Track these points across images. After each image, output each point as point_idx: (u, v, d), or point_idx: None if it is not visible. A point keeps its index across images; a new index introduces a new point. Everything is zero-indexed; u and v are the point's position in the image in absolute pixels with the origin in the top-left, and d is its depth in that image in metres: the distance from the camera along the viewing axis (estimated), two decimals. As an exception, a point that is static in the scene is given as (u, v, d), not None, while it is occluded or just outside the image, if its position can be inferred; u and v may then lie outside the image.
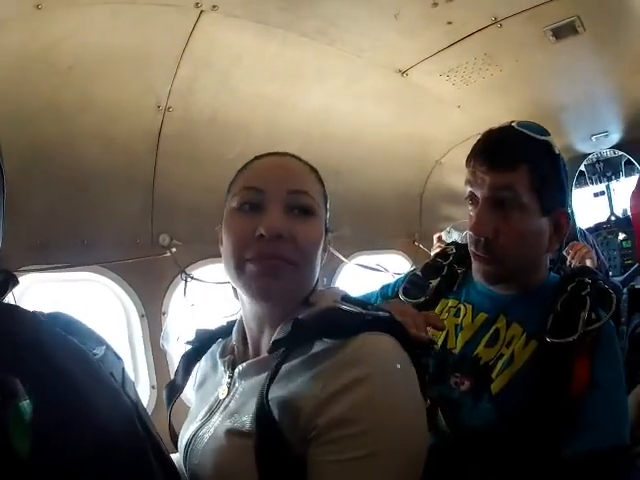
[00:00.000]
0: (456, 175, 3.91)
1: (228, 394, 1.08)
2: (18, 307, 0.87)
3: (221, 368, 1.15)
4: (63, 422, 0.72)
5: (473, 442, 1.14)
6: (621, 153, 4.37)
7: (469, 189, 1.37)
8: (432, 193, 3.81)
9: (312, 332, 0.96)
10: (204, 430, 1.06)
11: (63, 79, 1.91)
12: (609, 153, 4.39)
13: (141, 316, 2.43)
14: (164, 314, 2.48)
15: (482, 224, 1.32)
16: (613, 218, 4.61)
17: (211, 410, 1.10)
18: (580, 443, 1.16)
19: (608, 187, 4.67)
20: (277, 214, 1.01)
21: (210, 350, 1.27)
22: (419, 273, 1.65)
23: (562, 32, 2.38)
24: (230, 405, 1.05)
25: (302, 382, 0.93)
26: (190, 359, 1.27)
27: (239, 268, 1.03)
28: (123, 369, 1.05)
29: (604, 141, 4.03)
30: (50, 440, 0.70)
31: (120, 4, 1.80)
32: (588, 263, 2.85)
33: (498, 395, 1.28)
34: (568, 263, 2.74)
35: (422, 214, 3.84)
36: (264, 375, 0.95)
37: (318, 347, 0.96)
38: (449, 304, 1.51)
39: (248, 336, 1.14)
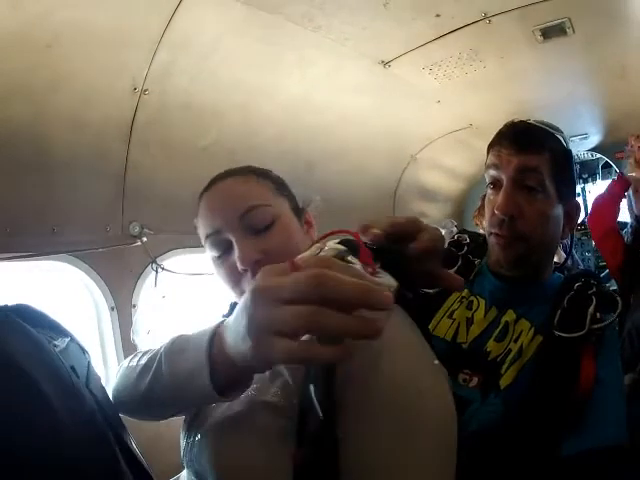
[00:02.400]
0: (430, 171, 3.84)
1: None
2: None
3: None
4: (10, 422, 0.64)
5: (481, 438, 1.11)
6: (598, 156, 4.38)
7: (493, 172, 1.37)
8: (406, 189, 3.74)
9: None
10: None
11: (40, 58, 1.75)
12: (586, 155, 4.40)
13: (111, 309, 2.30)
14: (134, 307, 2.35)
15: (509, 203, 1.30)
16: (587, 220, 4.62)
17: None
18: (582, 441, 1.14)
19: (583, 189, 4.70)
20: (242, 245, 1.05)
21: None
22: None
23: (551, 32, 2.36)
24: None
25: None
26: None
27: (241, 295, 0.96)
28: (89, 363, 1.01)
29: (583, 143, 4.03)
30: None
31: None
32: (555, 258, 2.87)
33: (506, 390, 1.26)
34: None
35: (395, 209, 3.79)
36: None
37: None
38: (463, 294, 1.49)
39: None
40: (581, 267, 3.61)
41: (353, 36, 2.26)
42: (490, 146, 1.39)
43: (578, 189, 4.79)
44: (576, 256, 3.76)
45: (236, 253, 1.05)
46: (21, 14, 1.62)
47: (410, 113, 3.05)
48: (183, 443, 1.10)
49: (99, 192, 2.20)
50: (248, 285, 1.02)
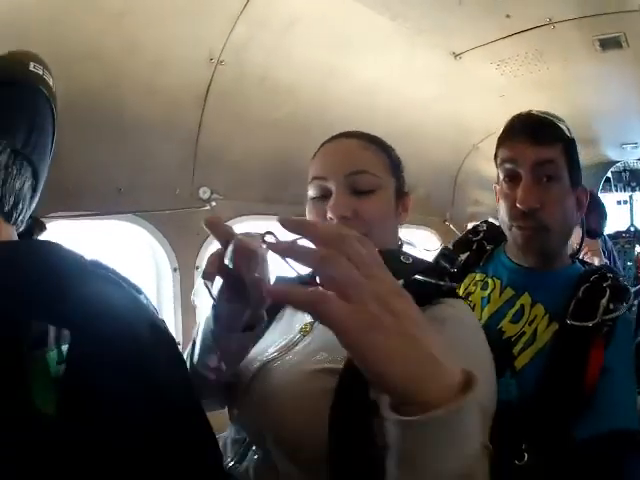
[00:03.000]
0: (490, 162, 3.86)
1: (309, 332, 1.13)
2: (61, 246, 0.77)
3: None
4: (105, 379, 0.62)
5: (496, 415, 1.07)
6: (648, 165, 4.31)
7: (508, 166, 1.38)
8: (466, 176, 3.77)
9: None
10: (277, 363, 1.08)
11: (111, 24, 1.79)
12: (636, 164, 4.35)
13: (173, 269, 2.31)
14: (197, 268, 2.35)
15: (530, 195, 1.32)
16: (632, 229, 4.58)
17: (287, 346, 1.12)
18: (591, 427, 1.15)
19: (631, 197, 4.64)
20: (339, 198, 1.11)
21: None
22: (451, 247, 1.69)
23: (608, 44, 2.42)
24: (311, 344, 1.08)
25: None
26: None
27: None
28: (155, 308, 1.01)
29: (633, 152, 3.99)
30: (83, 395, 0.60)
31: None
32: (596, 262, 2.90)
33: (521, 372, 1.30)
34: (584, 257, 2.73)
35: (455, 195, 3.81)
36: None
37: None
38: (476, 278, 1.54)
39: None
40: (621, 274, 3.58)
41: (428, 27, 2.30)
42: (501, 140, 1.42)
43: (626, 196, 4.75)
44: (618, 263, 3.74)
45: (331, 201, 1.11)
46: None
47: (474, 104, 3.08)
48: (235, 398, 1.13)
49: (170, 155, 2.23)
50: None
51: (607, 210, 3.85)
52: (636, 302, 2.72)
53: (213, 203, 2.35)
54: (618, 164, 4.28)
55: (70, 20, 1.72)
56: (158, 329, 0.78)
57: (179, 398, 0.72)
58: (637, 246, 4.38)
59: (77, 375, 0.60)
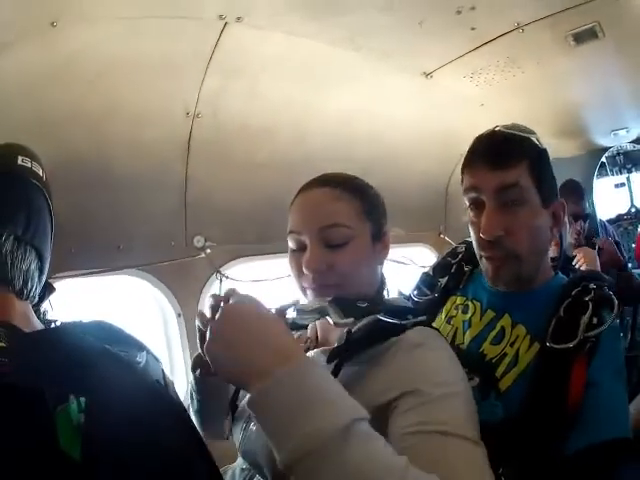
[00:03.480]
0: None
1: None
2: (65, 328, 0.92)
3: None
4: (114, 428, 0.71)
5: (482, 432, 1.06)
6: (641, 147, 4.24)
7: (472, 194, 1.32)
8: (457, 186, 3.65)
9: (363, 343, 1.06)
10: None
11: (88, 87, 1.83)
12: (629, 146, 4.28)
13: (178, 315, 2.38)
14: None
15: (493, 224, 1.27)
16: (633, 210, 4.52)
17: None
18: (579, 440, 1.11)
19: (629, 179, 4.59)
20: (312, 253, 1.13)
21: None
22: (430, 272, 1.66)
23: (583, 37, 2.32)
24: None
25: (364, 377, 1.03)
26: None
27: (303, 292, 1.18)
28: (162, 371, 1.07)
29: (625, 136, 3.92)
30: (102, 445, 0.69)
31: (139, 19, 1.72)
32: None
33: (505, 394, 1.26)
34: (578, 266, 2.66)
35: (447, 206, 3.76)
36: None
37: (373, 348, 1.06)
38: (457, 301, 1.51)
39: (319, 332, 1.29)
40: (625, 260, 3.52)
41: (393, 52, 2.28)
42: (463, 167, 1.36)
43: (623, 179, 4.69)
44: (623, 250, 3.67)
45: (306, 256, 1.13)
46: (60, 54, 1.69)
47: (456, 116, 3.04)
48: (240, 435, 1.21)
49: (162, 209, 2.28)
50: (307, 285, 1.15)
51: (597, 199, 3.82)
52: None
53: (208, 250, 2.40)
54: (611, 149, 4.22)
55: (49, 87, 1.76)
56: (158, 397, 0.87)
57: (177, 460, 0.80)
58: (640, 226, 4.33)
59: (96, 429, 0.69)
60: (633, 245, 4.39)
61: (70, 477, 0.66)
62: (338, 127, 2.66)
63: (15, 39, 1.58)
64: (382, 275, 1.28)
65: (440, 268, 1.65)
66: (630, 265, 3.93)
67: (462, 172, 1.37)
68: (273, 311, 0.99)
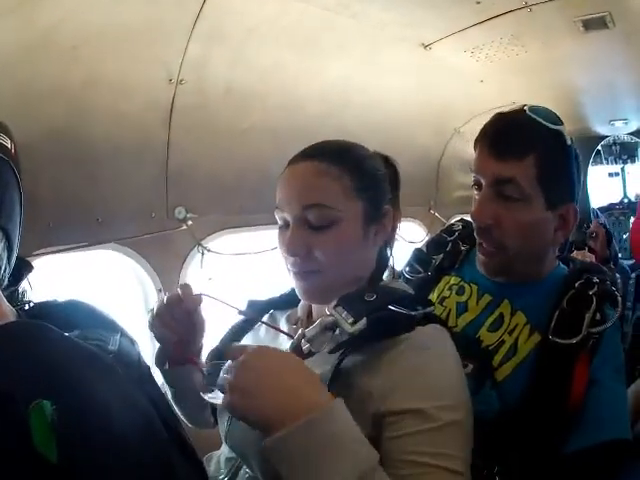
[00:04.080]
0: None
1: None
2: (37, 326, 0.79)
3: (285, 337, 1.15)
4: (85, 432, 0.67)
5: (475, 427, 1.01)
6: (638, 140, 4.18)
7: (475, 175, 1.25)
8: (450, 160, 3.62)
9: (371, 336, 0.96)
10: None
11: (68, 59, 1.71)
12: (626, 137, 4.23)
13: (158, 290, 2.26)
14: None
15: (483, 211, 1.21)
16: (626, 200, 4.50)
17: None
18: (580, 440, 1.08)
19: (623, 169, 4.56)
20: (293, 235, 1.05)
21: (265, 319, 1.28)
22: (424, 249, 1.56)
23: (592, 24, 2.24)
24: None
25: (369, 371, 0.96)
26: (240, 329, 1.31)
27: (288, 272, 1.11)
28: (139, 355, 1.00)
29: (623, 127, 3.88)
30: (76, 448, 0.64)
31: None
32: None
33: (502, 384, 1.20)
34: None
35: (439, 181, 3.68)
36: (328, 356, 0.97)
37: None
38: (451, 281, 1.42)
39: (314, 311, 1.18)
40: (616, 251, 3.47)
41: (391, 21, 2.15)
42: (475, 142, 1.26)
43: (617, 168, 4.64)
44: (613, 242, 3.62)
45: (286, 238, 1.06)
46: (38, 25, 1.58)
47: (453, 90, 2.95)
48: (225, 425, 1.15)
49: (142, 180, 2.15)
50: (290, 267, 1.08)
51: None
52: (633, 275, 2.61)
53: (189, 222, 2.28)
54: (608, 138, 4.15)
55: (27, 61, 1.64)
56: (131, 402, 0.80)
57: (153, 461, 0.75)
58: (631, 217, 4.27)
59: (67, 431, 0.64)
60: (624, 235, 4.34)
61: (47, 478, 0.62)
62: (331, 95, 2.55)
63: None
64: (384, 258, 1.17)
65: (435, 245, 1.54)
66: (620, 255, 3.88)
67: (474, 147, 1.27)
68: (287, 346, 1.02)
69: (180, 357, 1.16)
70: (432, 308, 1.07)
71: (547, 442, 1.09)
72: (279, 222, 1.10)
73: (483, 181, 1.21)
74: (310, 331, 0.97)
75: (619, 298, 1.20)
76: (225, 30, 1.94)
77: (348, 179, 1.05)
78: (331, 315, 0.97)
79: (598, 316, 1.15)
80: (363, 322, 0.93)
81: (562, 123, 1.21)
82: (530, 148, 1.16)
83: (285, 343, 1.13)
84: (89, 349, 0.81)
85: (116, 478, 0.68)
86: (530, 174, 1.16)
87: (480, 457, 1.03)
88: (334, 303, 1.00)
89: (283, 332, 1.13)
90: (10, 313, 0.86)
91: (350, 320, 0.94)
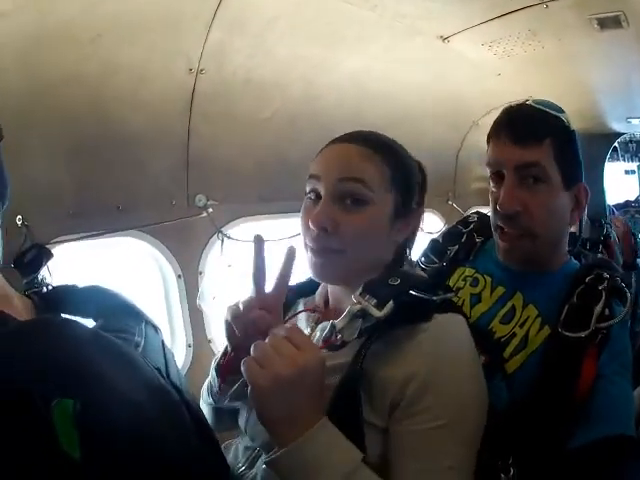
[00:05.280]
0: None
1: None
2: (58, 322, 0.79)
3: (302, 322, 1.18)
4: (108, 427, 0.66)
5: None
6: (655, 137, 4.10)
7: (493, 166, 1.27)
8: (468, 153, 3.57)
9: (397, 320, 0.96)
10: None
11: (88, 49, 1.70)
12: (643, 135, 4.15)
13: (178, 276, 2.25)
14: (201, 274, 2.30)
15: (511, 199, 1.20)
16: None
17: None
18: (585, 435, 1.07)
19: (639, 167, 4.47)
20: (324, 207, 1.03)
21: (300, 306, 1.26)
22: (440, 239, 1.57)
23: (607, 23, 2.18)
24: None
25: (388, 359, 0.96)
26: None
27: (305, 249, 1.09)
28: (162, 342, 1.00)
29: (639, 125, 3.77)
30: (100, 446, 0.64)
31: None
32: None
33: (512, 376, 1.21)
34: None
35: (457, 173, 3.63)
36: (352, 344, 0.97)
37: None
38: (465, 272, 1.42)
39: (331, 298, 1.17)
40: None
41: (410, 14, 2.11)
42: (489, 137, 1.29)
43: (634, 166, 4.56)
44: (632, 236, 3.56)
45: (316, 209, 1.04)
46: (58, 16, 1.56)
47: (470, 83, 2.89)
48: (246, 414, 1.15)
49: (163, 168, 2.13)
50: (309, 242, 1.06)
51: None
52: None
53: (210, 210, 2.26)
54: (624, 135, 4.07)
55: (46, 49, 1.63)
56: (157, 392, 0.79)
57: (175, 454, 0.75)
58: (648, 215, 4.20)
59: (91, 427, 0.64)
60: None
61: (70, 478, 0.61)
62: (349, 86, 2.50)
63: (13, 8, 1.44)
64: (401, 254, 1.16)
65: (450, 236, 1.55)
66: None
67: (487, 141, 1.30)
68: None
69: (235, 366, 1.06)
70: (452, 294, 1.07)
71: (553, 434, 1.09)
72: (308, 192, 1.09)
73: (506, 169, 1.21)
74: (340, 321, 0.97)
75: (628, 295, 1.19)
76: (245, 20, 1.92)
77: (388, 170, 1.06)
78: (358, 303, 0.97)
79: (607, 311, 1.15)
80: (390, 306, 0.94)
81: (563, 111, 1.25)
82: (545, 132, 1.19)
83: (305, 329, 1.13)
84: (112, 342, 0.79)
85: (139, 471, 0.68)
86: (550, 156, 1.19)
87: (492, 448, 1.03)
88: (360, 290, 0.99)
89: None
90: (23, 308, 0.85)
91: (376, 304, 0.95)
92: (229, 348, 1.12)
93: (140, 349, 0.89)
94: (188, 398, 0.88)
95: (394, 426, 0.94)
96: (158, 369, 0.87)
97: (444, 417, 0.91)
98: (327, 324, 1.01)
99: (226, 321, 1.08)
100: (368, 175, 1.04)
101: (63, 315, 0.89)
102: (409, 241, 1.18)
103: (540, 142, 1.19)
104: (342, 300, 1.11)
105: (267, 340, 0.89)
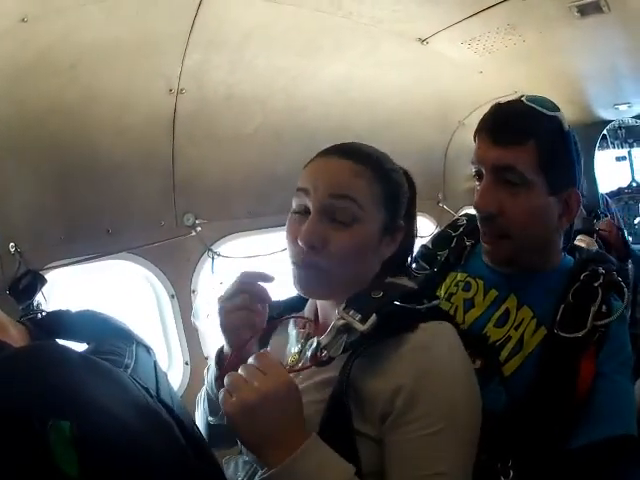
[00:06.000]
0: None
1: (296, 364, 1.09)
2: (50, 347, 0.80)
3: (292, 339, 1.16)
4: (105, 446, 0.67)
5: (484, 422, 0.99)
6: (644, 123, 4.06)
7: (475, 165, 1.23)
8: (456, 153, 3.52)
9: (377, 335, 0.94)
10: None
11: (66, 77, 1.70)
12: (631, 121, 4.11)
13: (171, 296, 2.25)
14: (194, 292, 2.30)
15: (486, 199, 1.17)
16: (634, 184, 4.38)
17: None
18: (585, 435, 1.05)
19: (630, 153, 4.44)
20: (312, 224, 1.00)
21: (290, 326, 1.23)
22: (429, 245, 1.52)
23: (587, 9, 2.12)
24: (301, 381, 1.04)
25: (375, 371, 0.95)
26: None
27: (291, 266, 1.06)
28: (155, 363, 1.01)
29: (627, 111, 3.75)
30: (97, 465, 0.65)
31: (110, 2, 1.56)
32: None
33: (509, 379, 1.17)
34: None
35: (446, 174, 3.58)
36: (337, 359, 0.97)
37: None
38: (457, 277, 1.37)
39: (320, 313, 1.14)
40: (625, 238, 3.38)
41: (386, 17, 2.07)
42: (475, 132, 1.24)
43: (624, 152, 4.52)
44: (623, 228, 3.52)
45: (305, 225, 1.00)
46: (33, 48, 1.56)
47: (453, 83, 2.85)
48: None
49: (149, 189, 2.13)
50: (296, 259, 1.04)
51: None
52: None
53: (198, 228, 2.27)
54: (613, 122, 4.03)
55: (26, 81, 1.64)
56: (143, 410, 0.80)
57: (170, 471, 0.76)
58: (641, 201, 4.18)
59: (87, 447, 0.65)
60: (635, 220, 4.22)
61: None
62: (332, 95, 2.47)
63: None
64: (386, 268, 1.12)
65: (440, 240, 1.50)
66: (631, 240, 3.79)
67: (474, 139, 1.25)
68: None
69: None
70: (437, 301, 1.04)
71: (553, 436, 1.06)
72: (295, 206, 1.06)
73: (484, 169, 1.18)
74: (325, 338, 0.96)
75: (625, 289, 1.17)
76: (221, 37, 1.90)
77: (378, 188, 1.04)
78: (342, 317, 0.96)
79: (604, 308, 1.12)
80: (373, 319, 0.92)
81: (559, 110, 1.19)
82: (530, 134, 1.14)
83: (294, 348, 1.13)
84: (100, 364, 0.81)
85: None
86: (531, 159, 1.13)
87: (491, 451, 1.03)
88: (343, 305, 0.98)
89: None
90: (18, 335, 0.86)
91: (360, 318, 0.94)
92: (226, 347, 1.13)
93: (129, 370, 0.90)
94: (181, 417, 0.89)
95: (387, 436, 0.93)
96: (147, 389, 0.87)
97: (435, 424, 0.90)
98: (314, 340, 1.01)
99: (219, 312, 1.08)
100: (360, 193, 1.01)
101: (57, 340, 0.91)
102: (396, 256, 1.14)
103: (521, 144, 1.14)
104: (330, 314, 1.09)
105: (239, 370, 0.91)
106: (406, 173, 1.17)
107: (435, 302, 1.03)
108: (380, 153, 1.11)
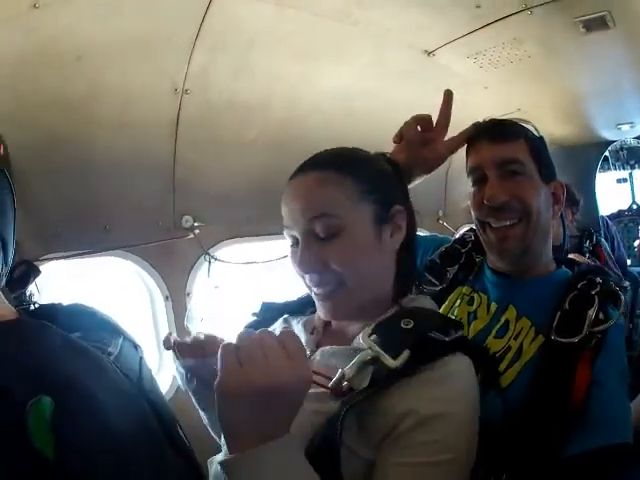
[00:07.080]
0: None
1: None
2: (36, 324, 0.80)
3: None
4: (80, 429, 0.67)
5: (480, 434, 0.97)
6: (645, 144, 4.03)
7: (475, 171, 1.31)
8: (457, 171, 3.43)
9: (411, 368, 0.90)
10: None
11: (70, 71, 1.67)
12: (633, 142, 4.09)
13: (165, 298, 2.22)
14: (188, 295, 2.27)
15: (497, 190, 1.24)
16: (635, 206, 4.37)
17: None
18: (581, 443, 1.06)
19: (631, 175, 4.43)
20: (304, 250, 0.99)
21: (278, 324, 1.22)
22: (437, 260, 1.52)
23: (593, 25, 2.13)
24: None
25: (389, 391, 0.90)
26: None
27: (309, 292, 1.06)
28: (141, 359, 0.98)
29: (630, 131, 3.72)
30: (72, 445, 0.65)
31: None
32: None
33: (506, 389, 1.18)
34: None
35: (447, 191, 3.55)
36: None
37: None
38: (463, 291, 1.41)
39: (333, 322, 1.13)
40: (624, 259, 3.34)
41: (393, 28, 2.06)
42: (466, 150, 1.35)
43: (625, 174, 4.51)
44: (622, 249, 3.49)
45: (298, 257, 1.00)
46: (40, 37, 1.54)
47: (458, 98, 2.76)
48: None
49: (149, 188, 2.11)
50: (308, 285, 1.04)
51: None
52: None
53: (196, 231, 2.24)
54: (615, 143, 4.00)
55: (29, 72, 1.61)
56: (123, 395, 0.80)
57: (147, 461, 0.75)
58: (640, 224, 4.15)
59: (65, 429, 0.65)
60: (635, 243, 4.20)
61: (43, 476, 0.62)
62: (334, 103, 2.45)
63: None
64: (405, 262, 1.09)
65: (448, 256, 1.51)
66: (630, 262, 3.76)
67: (466, 154, 1.36)
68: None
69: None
70: (461, 332, 1.02)
71: (550, 443, 1.07)
72: (290, 241, 1.05)
73: (487, 169, 1.26)
74: (349, 369, 0.91)
75: (622, 298, 1.18)
76: (227, 39, 1.88)
77: (350, 184, 1.00)
78: (369, 347, 0.91)
79: (601, 315, 1.14)
80: (405, 356, 0.89)
81: (528, 122, 1.44)
82: (520, 133, 1.29)
83: None
84: (87, 348, 0.80)
85: (108, 472, 0.68)
86: (526, 152, 1.26)
87: (486, 464, 1.01)
88: (368, 332, 0.94)
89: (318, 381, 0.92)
90: (10, 314, 0.84)
91: (391, 353, 0.89)
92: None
93: (112, 358, 0.88)
94: (162, 412, 0.87)
95: (383, 455, 0.88)
96: (126, 375, 0.85)
97: (439, 455, 0.86)
98: (328, 352, 1.02)
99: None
100: (333, 201, 0.99)
101: None
102: (409, 243, 1.10)
103: (516, 139, 1.27)
104: (346, 324, 1.08)
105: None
106: (384, 155, 1.17)
107: (460, 332, 1.01)
108: (345, 149, 1.10)
